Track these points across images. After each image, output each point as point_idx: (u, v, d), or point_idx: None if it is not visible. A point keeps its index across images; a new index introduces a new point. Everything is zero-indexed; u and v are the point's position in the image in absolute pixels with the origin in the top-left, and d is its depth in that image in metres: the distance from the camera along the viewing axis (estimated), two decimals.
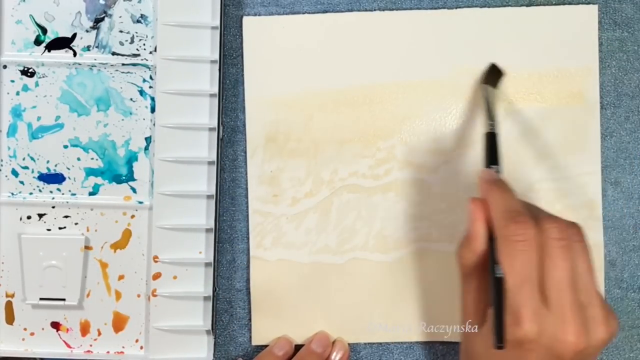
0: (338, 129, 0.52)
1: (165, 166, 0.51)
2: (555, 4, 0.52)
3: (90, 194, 0.52)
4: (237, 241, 0.53)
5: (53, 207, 0.52)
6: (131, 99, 0.52)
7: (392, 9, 0.52)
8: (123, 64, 0.51)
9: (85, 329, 0.52)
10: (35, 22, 0.51)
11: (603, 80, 0.52)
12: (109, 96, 0.52)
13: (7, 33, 0.51)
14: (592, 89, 0.52)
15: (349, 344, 0.52)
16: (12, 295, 0.52)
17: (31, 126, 0.52)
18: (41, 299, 0.51)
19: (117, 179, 0.52)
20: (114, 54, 0.52)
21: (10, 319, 0.52)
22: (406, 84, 0.52)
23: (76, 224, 0.52)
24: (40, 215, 0.52)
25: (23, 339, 0.52)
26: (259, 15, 0.52)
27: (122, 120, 0.52)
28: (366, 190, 0.52)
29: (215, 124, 0.51)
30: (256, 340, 0.53)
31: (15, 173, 0.52)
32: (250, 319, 0.53)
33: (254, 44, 0.52)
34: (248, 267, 0.53)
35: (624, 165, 0.52)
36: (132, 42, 0.51)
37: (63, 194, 0.52)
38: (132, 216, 0.52)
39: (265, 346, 0.52)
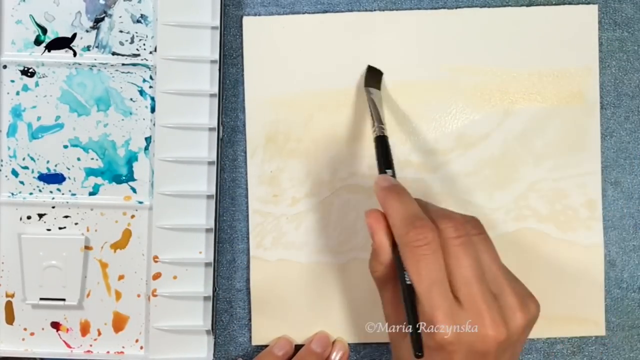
0: (338, 129, 0.52)
1: (165, 166, 0.51)
2: (555, 4, 0.52)
3: (90, 194, 0.52)
4: (237, 241, 0.53)
5: (53, 207, 0.52)
6: (131, 99, 0.52)
7: (392, 9, 0.52)
8: (123, 64, 0.51)
9: (85, 329, 0.52)
10: (35, 22, 0.51)
11: (603, 80, 0.52)
12: (109, 96, 0.52)
13: (7, 33, 0.51)
14: (592, 89, 0.52)
15: (349, 344, 0.52)
16: (12, 295, 0.52)
17: (31, 126, 0.52)
18: (41, 299, 0.51)
19: (117, 179, 0.52)
20: (114, 54, 0.52)
21: (10, 319, 0.52)
22: (406, 84, 0.52)
23: (76, 224, 0.52)
24: (40, 215, 0.52)
25: (23, 339, 0.52)
26: (259, 15, 0.52)
27: (122, 120, 0.52)
28: (366, 190, 0.52)
29: (215, 124, 0.51)
30: (256, 340, 0.53)
31: (15, 173, 0.52)
32: (250, 319, 0.53)
33: (254, 44, 0.52)
34: (248, 267, 0.53)
35: (624, 165, 0.52)
36: (132, 42, 0.51)
37: (63, 194, 0.52)
38: (132, 216, 0.52)
39: (265, 346, 0.52)
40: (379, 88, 0.51)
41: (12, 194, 0.52)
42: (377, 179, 0.44)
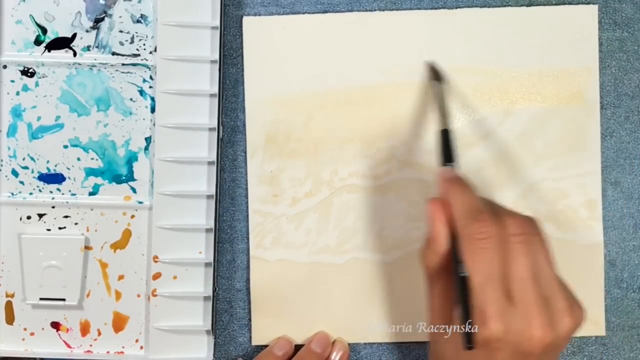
0: (338, 129, 0.52)
1: (165, 166, 0.51)
2: (555, 4, 0.52)
3: (90, 194, 0.52)
4: (237, 241, 0.53)
5: (53, 207, 0.52)
6: (131, 99, 0.52)
7: (392, 9, 0.52)
8: (123, 64, 0.51)
9: (85, 329, 0.52)
10: (35, 22, 0.51)
11: (603, 80, 0.52)
12: (109, 96, 0.52)
13: (7, 33, 0.51)
14: (592, 89, 0.52)
15: (349, 344, 0.52)
16: (12, 295, 0.52)
17: (31, 126, 0.52)
18: (41, 299, 0.51)
19: (117, 179, 0.52)
20: (114, 54, 0.52)
21: (10, 319, 0.52)
22: (406, 84, 0.52)
23: (76, 224, 0.52)
24: (40, 215, 0.52)
25: (23, 339, 0.52)
26: (259, 15, 0.52)
27: (122, 120, 0.52)
28: (366, 190, 0.52)
29: (215, 124, 0.51)
30: (256, 340, 0.53)
31: (15, 173, 0.52)
32: (250, 319, 0.53)
33: (254, 44, 0.52)
34: (248, 267, 0.53)
35: (624, 165, 0.52)
36: (132, 42, 0.51)
37: (63, 194, 0.52)
38: (132, 216, 0.52)
39: (265, 346, 0.52)
40: (443, 82, 0.50)
41: (12, 194, 0.52)
42: (440, 170, 0.45)
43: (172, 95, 0.51)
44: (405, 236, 0.52)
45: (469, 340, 0.39)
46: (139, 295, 0.52)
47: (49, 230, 0.52)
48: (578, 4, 0.52)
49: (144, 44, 0.51)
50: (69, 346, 0.52)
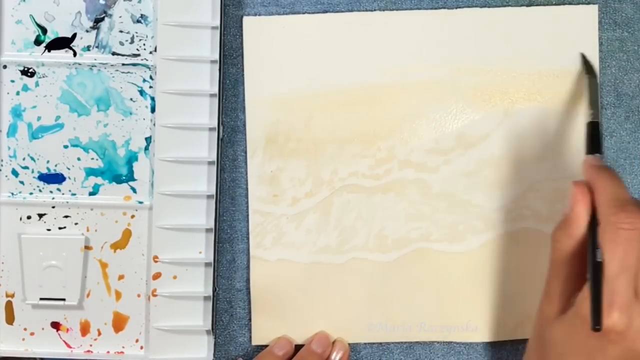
0: (338, 129, 0.52)
1: (165, 166, 0.51)
2: (555, 4, 0.52)
3: (90, 194, 0.52)
4: (237, 241, 0.53)
5: (53, 207, 0.52)
6: (131, 99, 0.52)
7: (392, 9, 0.52)
8: (123, 64, 0.51)
9: (85, 329, 0.52)
10: (35, 22, 0.51)
11: (603, 80, 0.52)
12: (109, 96, 0.52)
13: (7, 33, 0.51)
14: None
15: (349, 344, 0.52)
16: (12, 295, 0.52)
17: (31, 126, 0.52)
18: (41, 299, 0.51)
19: (117, 179, 0.52)
20: (114, 54, 0.52)
21: (10, 319, 0.52)
22: (406, 84, 0.52)
23: (76, 224, 0.52)
24: (40, 215, 0.52)
25: (23, 339, 0.52)
26: (259, 15, 0.52)
27: (122, 120, 0.52)
28: (366, 190, 0.52)
29: (215, 124, 0.51)
30: (256, 340, 0.53)
31: (15, 173, 0.52)
32: (250, 319, 0.53)
33: (254, 44, 0.52)
34: (248, 267, 0.53)
35: (624, 165, 0.52)
36: (132, 42, 0.51)
37: (63, 194, 0.52)
38: (132, 216, 0.52)
39: (265, 346, 0.52)
40: (595, 76, 0.50)
41: (12, 194, 0.52)
42: (587, 159, 0.45)
43: (172, 95, 0.51)
44: (405, 236, 0.52)
45: (597, 322, 0.39)
46: (139, 295, 0.52)
47: (49, 230, 0.52)
48: (578, 4, 0.52)
49: (144, 44, 0.51)
50: (69, 346, 0.52)
